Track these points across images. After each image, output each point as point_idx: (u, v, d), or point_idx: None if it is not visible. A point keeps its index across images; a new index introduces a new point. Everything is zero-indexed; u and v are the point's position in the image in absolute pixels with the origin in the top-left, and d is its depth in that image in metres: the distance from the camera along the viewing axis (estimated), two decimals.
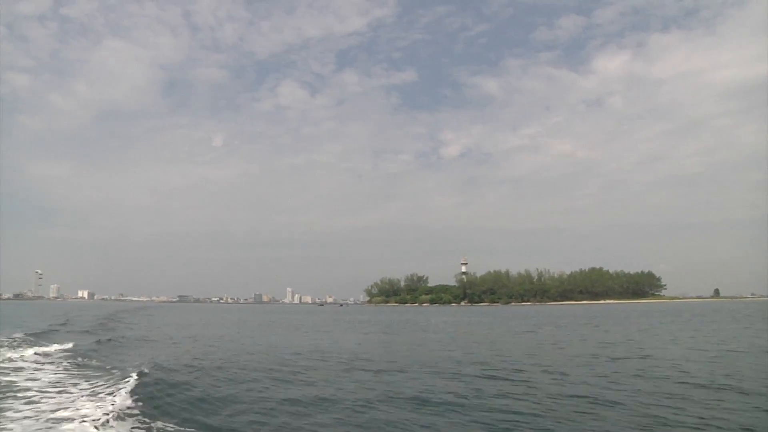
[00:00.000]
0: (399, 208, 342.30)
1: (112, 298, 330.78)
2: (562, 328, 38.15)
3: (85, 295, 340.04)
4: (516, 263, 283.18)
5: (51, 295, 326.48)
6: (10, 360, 16.88)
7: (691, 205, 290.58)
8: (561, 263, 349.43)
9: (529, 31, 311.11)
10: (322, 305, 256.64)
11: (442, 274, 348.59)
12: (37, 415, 9.64)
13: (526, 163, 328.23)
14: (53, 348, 20.70)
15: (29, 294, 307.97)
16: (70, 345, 21.76)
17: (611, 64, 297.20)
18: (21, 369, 15.37)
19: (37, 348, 20.30)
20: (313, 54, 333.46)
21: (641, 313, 68.11)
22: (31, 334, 27.17)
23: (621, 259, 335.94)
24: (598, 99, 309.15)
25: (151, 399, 11.30)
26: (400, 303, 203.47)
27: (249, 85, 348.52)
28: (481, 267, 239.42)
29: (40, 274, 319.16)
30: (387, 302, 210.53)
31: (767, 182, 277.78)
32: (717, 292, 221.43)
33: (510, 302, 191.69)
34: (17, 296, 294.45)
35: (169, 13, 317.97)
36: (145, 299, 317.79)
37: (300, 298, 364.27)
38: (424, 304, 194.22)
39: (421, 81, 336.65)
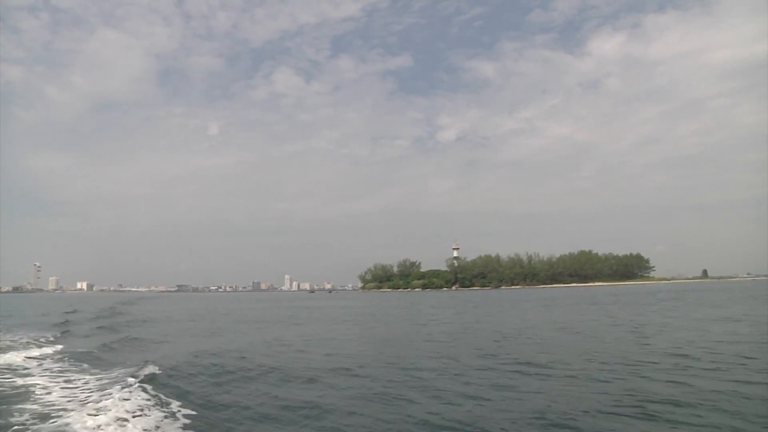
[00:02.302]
0: (397, 194, 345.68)
1: (111, 289, 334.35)
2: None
3: (84, 286, 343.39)
4: (513, 247, 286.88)
5: (50, 287, 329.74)
6: (13, 364, 16.77)
7: (689, 187, 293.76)
8: (558, 246, 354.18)
9: (525, 13, 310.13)
10: (312, 292, 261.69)
11: (438, 258, 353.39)
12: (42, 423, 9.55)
13: (524, 147, 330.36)
14: (54, 349, 20.56)
15: (28, 287, 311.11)
16: (74, 345, 21.82)
17: (607, 45, 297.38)
18: (25, 372, 15.37)
19: (38, 350, 20.20)
20: (307, 40, 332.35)
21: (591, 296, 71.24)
22: (35, 335, 28.80)
23: (618, 241, 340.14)
24: (594, 81, 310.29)
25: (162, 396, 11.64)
26: (393, 288, 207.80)
27: (244, 72, 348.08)
28: (478, 251, 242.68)
29: (39, 267, 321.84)
30: (380, 288, 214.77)
31: (765, 162, 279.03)
32: (705, 273, 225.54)
33: (500, 286, 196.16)
34: (16, 289, 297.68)
35: (161, 1, 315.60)
36: (143, 290, 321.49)
37: (298, 285, 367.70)
38: (416, 289, 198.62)
39: (417, 66, 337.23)
